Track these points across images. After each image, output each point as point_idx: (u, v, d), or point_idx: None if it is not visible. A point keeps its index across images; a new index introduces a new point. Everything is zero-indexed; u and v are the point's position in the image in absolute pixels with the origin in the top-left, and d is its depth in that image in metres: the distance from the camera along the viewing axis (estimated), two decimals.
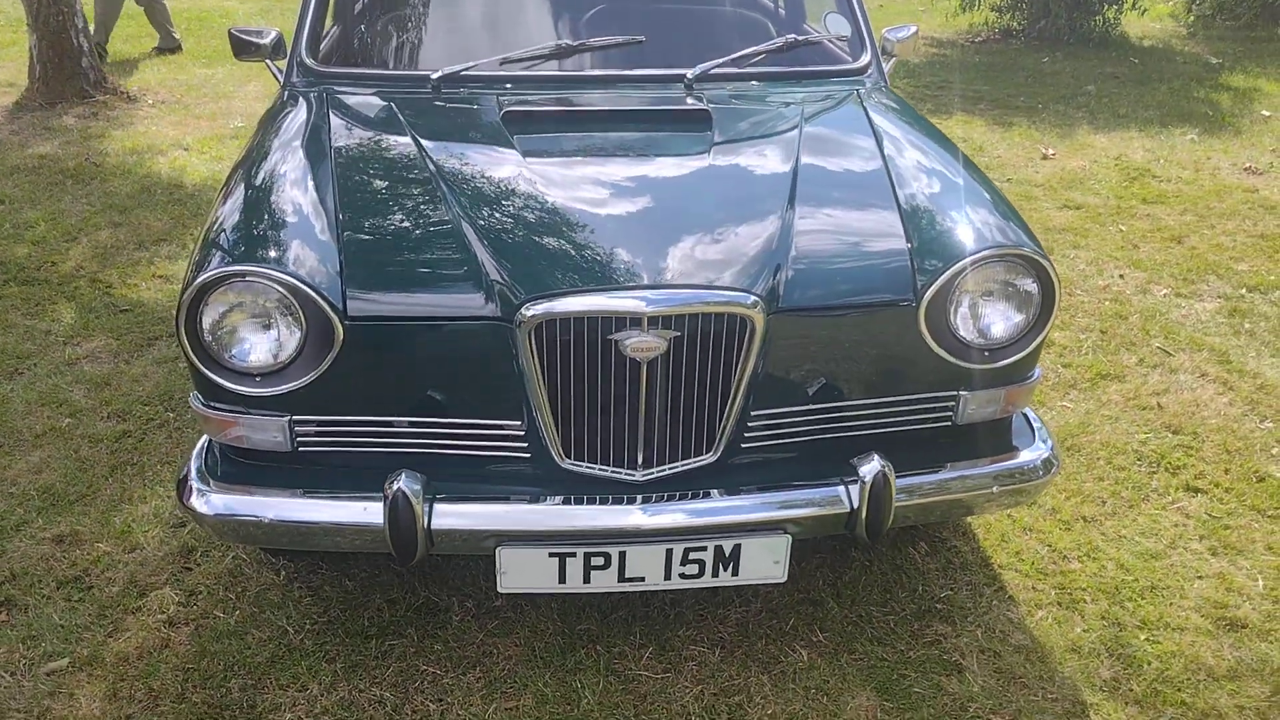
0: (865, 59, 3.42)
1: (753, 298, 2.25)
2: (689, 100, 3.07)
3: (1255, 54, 9.49)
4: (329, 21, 3.51)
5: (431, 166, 2.65)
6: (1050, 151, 6.70)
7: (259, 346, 2.31)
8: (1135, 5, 9.83)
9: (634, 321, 2.20)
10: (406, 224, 2.47)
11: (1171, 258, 5.06)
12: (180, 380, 3.88)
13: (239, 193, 2.62)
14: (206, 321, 2.28)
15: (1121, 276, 4.86)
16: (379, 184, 2.64)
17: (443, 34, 3.46)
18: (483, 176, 2.64)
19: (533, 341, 2.22)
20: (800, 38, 3.42)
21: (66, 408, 3.70)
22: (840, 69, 3.42)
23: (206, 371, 2.30)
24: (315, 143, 2.83)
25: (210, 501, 2.38)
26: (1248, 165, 6.43)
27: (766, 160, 2.77)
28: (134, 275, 4.73)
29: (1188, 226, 5.46)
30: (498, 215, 2.46)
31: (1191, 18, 11.02)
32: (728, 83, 3.23)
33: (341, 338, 2.25)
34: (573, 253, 2.34)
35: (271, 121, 3.05)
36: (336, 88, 3.20)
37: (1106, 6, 9.77)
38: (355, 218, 2.46)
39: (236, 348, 2.30)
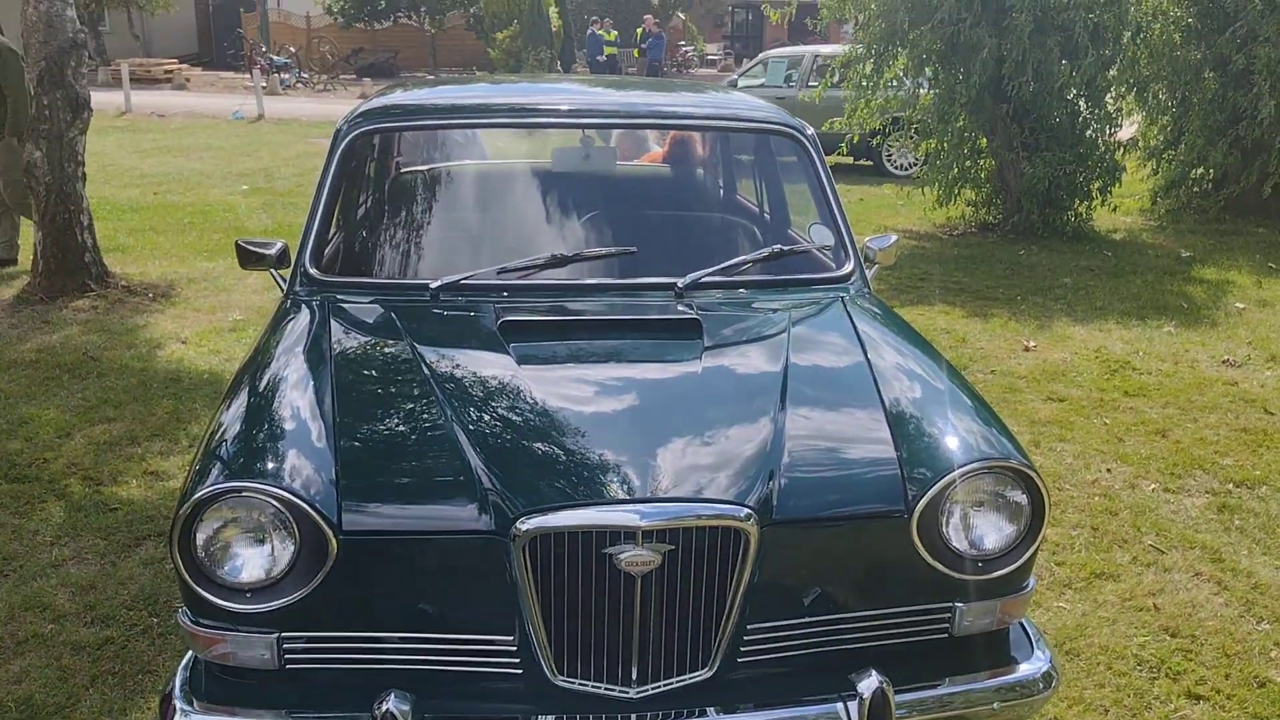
0: (848, 267, 3.54)
1: (746, 510, 2.27)
2: (679, 308, 3.16)
3: (1224, 247, 9.83)
4: (332, 229, 3.63)
5: (429, 377, 2.71)
6: (1031, 343, 6.85)
7: (252, 562, 2.31)
8: (1105, 203, 10.22)
9: (628, 535, 2.22)
10: (402, 432, 2.51)
11: (1157, 451, 5.12)
12: (165, 583, 3.83)
13: (239, 402, 2.67)
14: (200, 537, 2.29)
15: (1109, 471, 4.90)
16: (376, 392, 2.69)
17: (442, 244, 3.59)
18: (478, 384, 2.69)
19: (526, 555, 2.23)
20: (786, 248, 3.55)
21: (50, 613, 3.64)
22: (824, 276, 3.53)
23: (197, 588, 2.29)
24: (316, 350, 2.89)
25: None
26: (1225, 358, 6.58)
27: (756, 367, 2.84)
28: (125, 472, 4.73)
29: (1170, 420, 5.54)
30: (492, 424, 2.50)
31: (1160, 210, 11.44)
32: (717, 290, 3.33)
33: (335, 552, 2.25)
34: (566, 463, 2.37)
35: (275, 329, 3.12)
36: (338, 295, 3.29)
37: (1078, 203, 10.16)
38: (352, 427, 2.50)
39: (229, 564, 2.30)
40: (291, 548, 2.28)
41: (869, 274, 3.63)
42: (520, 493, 2.28)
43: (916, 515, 2.36)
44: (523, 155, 4.62)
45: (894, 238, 3.83)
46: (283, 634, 2.31)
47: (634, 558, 2.21)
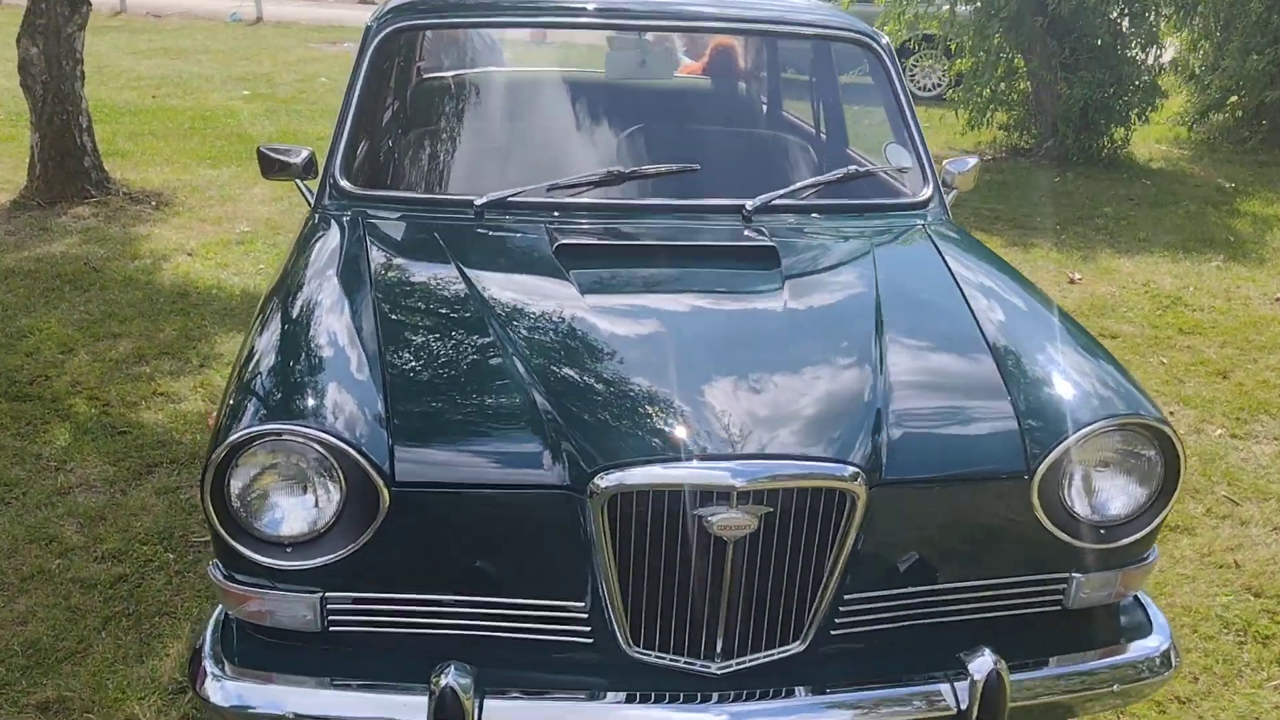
0: (927, 192, 3.24)
1: (853, 469, 2.00)
2: (746, 232, 2.87)
3: (1266, 180, 9.47)
4: (363, 137, 3.30)
5: (482, 306, 2.43)
6: (1076, 275, 6.55)
7: (293, 514, 2.04)
8: (1142, 116, 9.76)
9: (722, 496, 1.95)
10: (459, 374, 2.23)
11: (1220, 394, 4.86)
12: (181, 515, 3.58)
13: (272, 330, 2.38)
14: (235, 486, 2.02)
15: (1172, 414, 4.64)
16: (426, 325, 2.41)
17: (485, 156, 3.26)
18: (539, 318, 2.41)
19: (605, 514, 1.97)
20: (862, 169, 3.24)
21: (57, 545, 3.39)
22: (902, 202, 3.23)
23: (232, 541, 2.03)
24: (353, 275, 2.60)
25: (226, 689, 2.08)
26: (1278, 296, 6.29)
27: (844, 305, 2.56)
28: (133, 393, 4.46)
29: (1230, 360, 5.27)
30: (560, 365, 2.22)
31: (1195, 138, 11.06)
32: (787, 214, 3.03)
33: (387, 505, 1.99)
34: (647, 410, 2.09)
35: (304, 247, 2.82)
36: (371, 211, 2.99)
37: (1114, 127, 9.77)
38: (402, 365, 2.22)
39: (267, 515, 2.04)
40: (337, 498, 2.02)
41: (947, 200, 3.33)
42: (598, 444, 2.00)
43: (1038, 477, 2.09)
44: (570, 61, 4.27)
45: (974, 160, 3.52)
46: (326, 593, 2.06)
47: (729, 521, 1.95)
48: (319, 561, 2.03)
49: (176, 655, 2.90)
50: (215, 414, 2.33)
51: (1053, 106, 9.66)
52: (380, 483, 1.98)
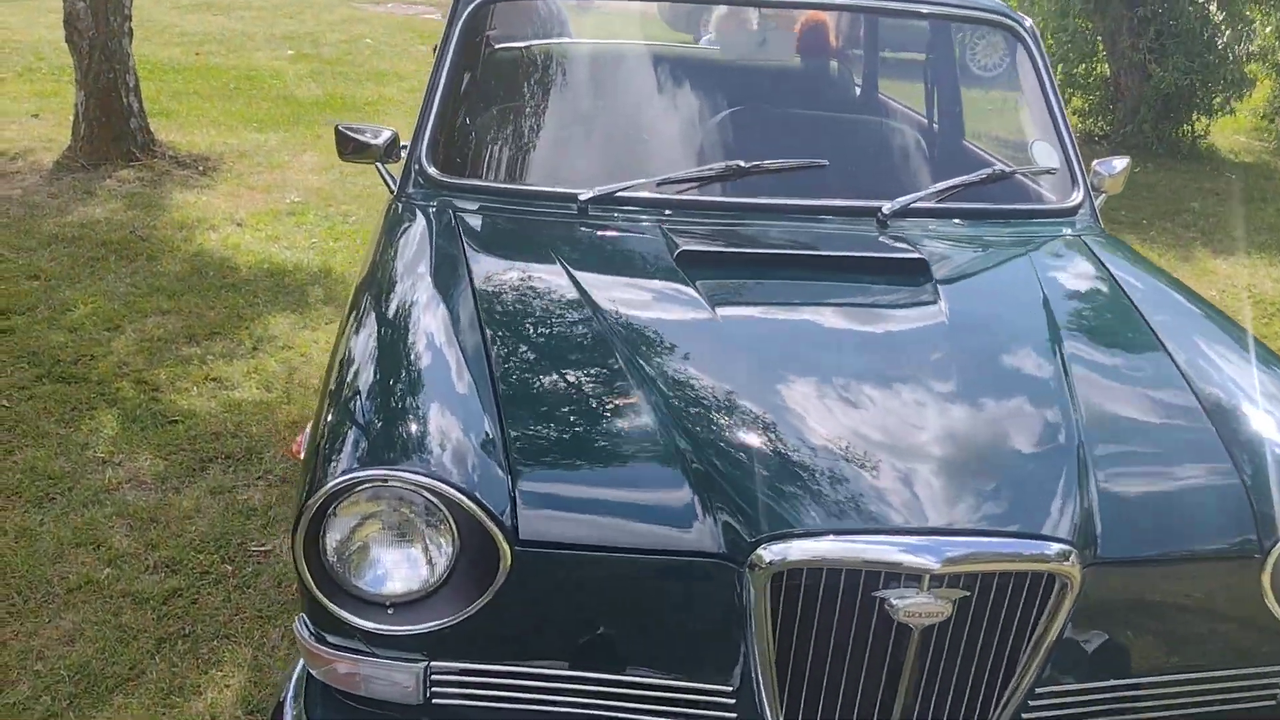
0: (1077, 196, 2.90)
1: (1066, 547, 1.69)
2: (883, 240, 2.55)
3: None
4: (452, 120, 2.98)
5: (602, 323, 2.12)
6: None
7: (397, 570, 1.75)
8: (1226, 106, 9.30)
9: (911, 577, 1.64)
10: (586, 409, 1.92)
11: None
12: (238, 519, 3.31)
13: (366, 350, 2.08)
14: (332, 538, 1.73)
15: None
16: (539, 345, 2.10)
17: (587, 144, 2.93)
18: (671, 343, 2.09)
19: (768, 591, 1.66)
20: (1008, 169, 2.90)
21: (105, 551, 3.13)
22: (1050, 208, 2.89)
23: (326, 600, 1.74)
24: (449, 276, 2.29)
25: None
26: None
27: (1015, 333, 2.24)
28: (184, 377, 4.18)
29: None
30: (705, 404, 1.91)
31: (1274, 128, 10.57)
32: (924, 219, 2.70)
33: (508, 565, 1.69)
34: (819, 469, 1.77)
35: (391, 243, 2.52)
36: (460, 202, 2.68)
37: (1196, 116, 9.32)
38: (518, 396, 1.92)
39: (368, 572, 1.75)
40: (450, 554, 1.73)
41: (1096, 204, 2.98)
42: (761, 507, 1.69)
43: (1273, 557, 1.77)
44: (675, 36, 3.92)
45: (1124, 161, 3.17)
46: (431, 662, 1.77)
47: (919, 607, 1.64)
48: (426, 626, 1.74)
49: (238, 688, 2.63)
50: (303, 444, 2.04)
51: (1134, 91, 9.21)
52: (501, 539, 1.68)
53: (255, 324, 4.71)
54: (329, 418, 1.89)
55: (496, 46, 3.30)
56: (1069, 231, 2.81)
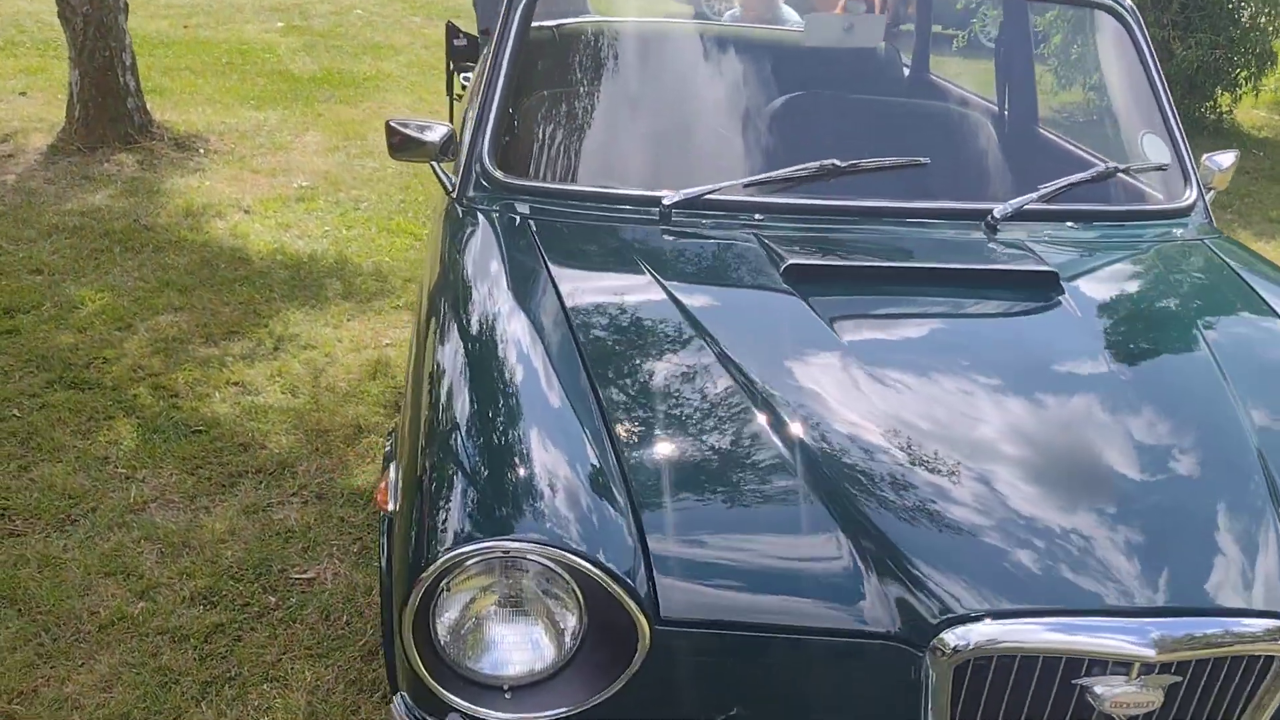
0: (1190, 194, 2.69)
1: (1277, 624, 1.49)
2: (994, 245, 2.34)
3: None
4: (512, 121, 2.74)
5: (716, 352, 1.90)
6: None
7: (517, 651, 1.54)
8: (1254, 92, 9.13)
9: (1118, 664, 1.44)
10: (722, 461, 1.70)
11: None
12: (278, 543, 3.08)
13: (455, 386, 1.85)
14: (446, 617, 1.51)
15: None
16: (652, 381, 1.87)
17: (664, 142, 2.69)
18: (802, 378, 1.87)
19: (952, 678, 1.45)
20: (1119, 166, 2.68)
21: (136, 582, 2.90)
22: (1162, 208, 2.68)
23: (437, 686, 1.52)
24: (535, 295, 2.07)
25: None
26: None
27: (1179, 366, 2.03)
28: (204, 382, 3.94)
29: None
30: (855, 454, 1.69)
31: None
32: (1034, 223, 2.49)
33: (647, 645, 1.48)
34: (1000, 536, 1.56)
35: (459, 255, 2.29)
36: (527, 206, 2.45)
37: (1220, 92, 9.11)
38: (640, 447, 1.69)
39: (485, 653, 1.53)
40: (576, 633, 1.51)
41: (1208, 202, 2.78)
42: (944, 581, 1.48)
43: None
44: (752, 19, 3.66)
45: (1232, 155, 2.96)
46: None
47: (1127, 697, 1.44)
48: (548, 714, 1.52)
49: None
50: (389, 490, 1.81)
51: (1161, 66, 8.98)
52: (640, 616, 1.47)
53: (274, 321, 4.46)
54: (428, 469, 1.66)
55: (559, 32, 3.05)
56: (1182, 234, 2.60)
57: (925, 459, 1.67)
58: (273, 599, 2.86)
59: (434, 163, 2.69)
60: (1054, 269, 2.18)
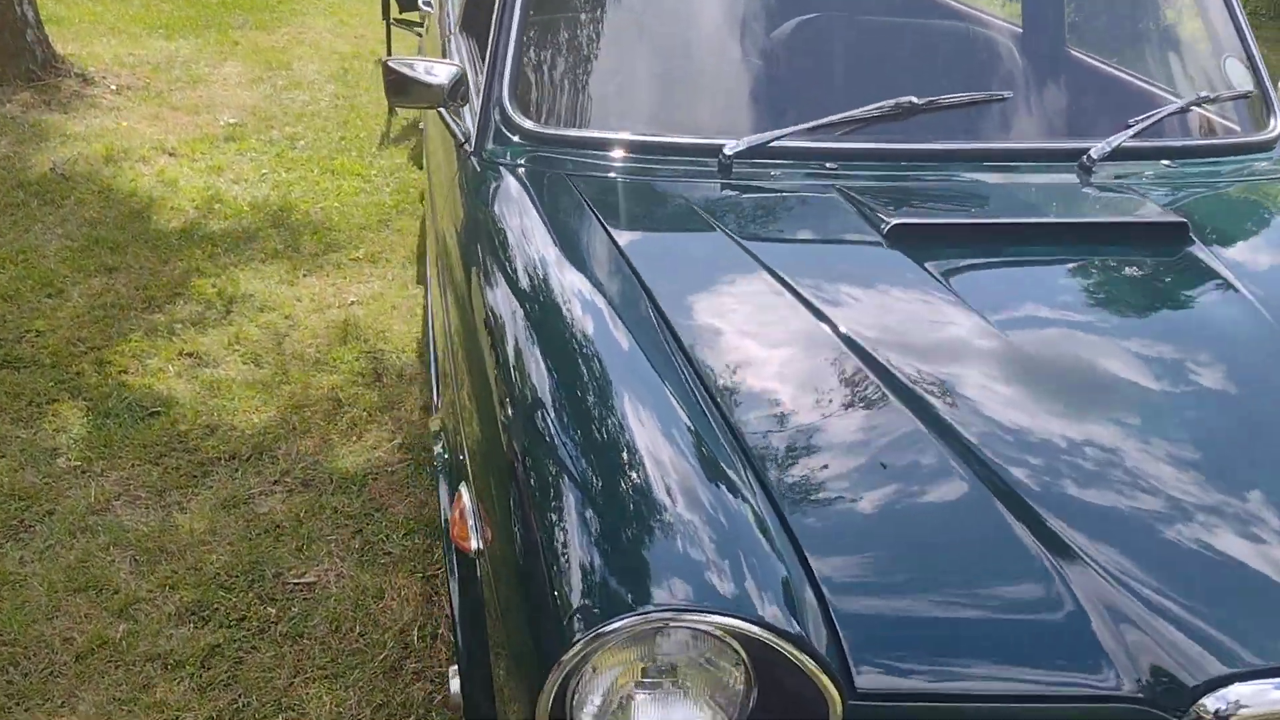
0: (1275, 127, 2.46)
1: None
2: (1091, 190, 2.08)
3: None
4: (537, 59, 2.37)
5: (844, 341, 1.61)
6: None
7: None
8: None
9: None
10: (891, 487, 1.41)
11: None
12: (267, 543, 2.75)
13: (528, 395, 1.53)
14: (590, 703, 1.22)
15: None
16: (785, 385, 1.56)
17: (716, 81, 2.35)
18: (958, 370, 1.58)
19: None
20: (1205, 95, 2.44)
21: (112, 598, 2.54)
22: (1244, 141, 2.45)
23: None
24: (610, 279, 1.76)
25: None
26: None
27: None
28: (152, 353, 3.53)
29: None
30: (1049, 469, 1.42)
31: None
32: (1129, 162, 2.23)
33: None
34: (1248, 574, 1.31)
35: (491, 223, 1.95)
36: (561, 159, 2.11)
37: None
38: (787, 470, 1.41)
39: None
40: (744, 709, 1.24)
41: None
42: (1199, 635, 1.23)
43: None
44: None
45: None
46: None
47: None
48: None
49: None
50: (459, 521, 1.51)
51: None
52: (829, 689, 1.20)
53: (221, 280, 4.04)
54: (531, 508, 1.35)
55: None
56: (1267, 167, 2.37)
57: (1127, 468, 1.41)
58: (272, 610, 2.54)
59: (442, 110, 2.33)
60: (1182, 218, 1.93)
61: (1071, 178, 2.15)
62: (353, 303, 3.98)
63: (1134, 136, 2.24)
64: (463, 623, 1.58)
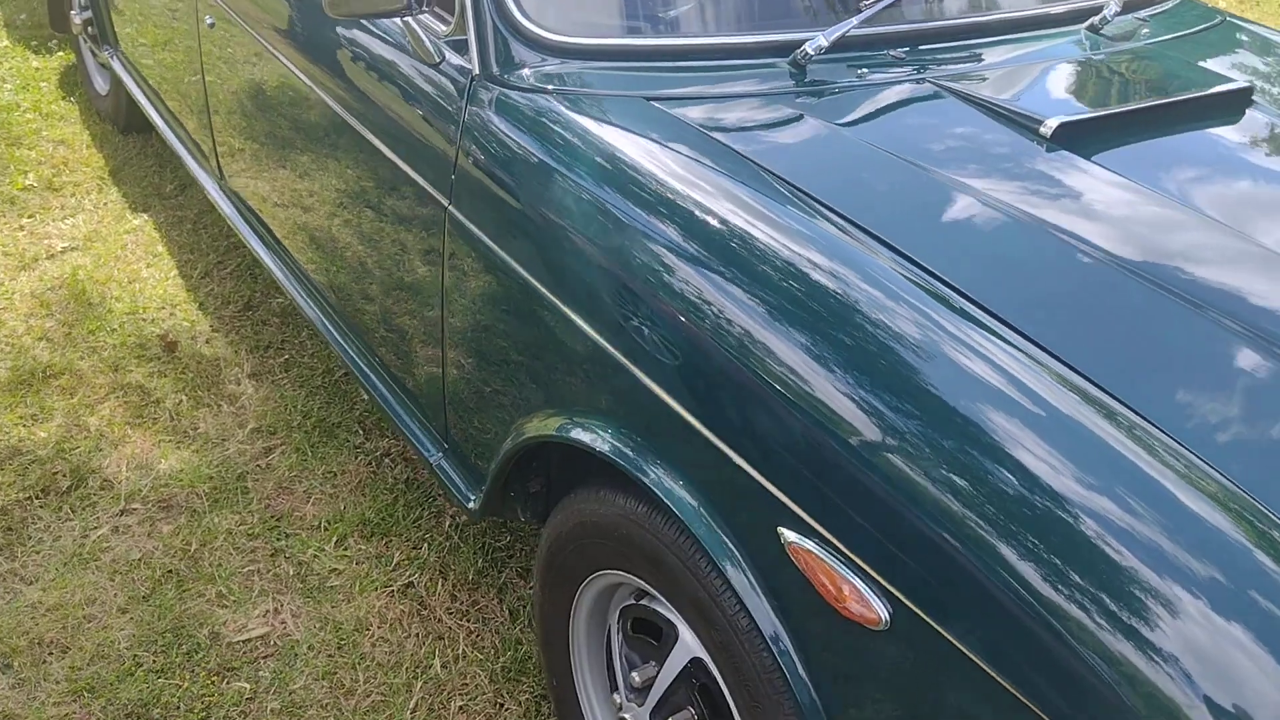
0: None
1: None
2: (1100, 55, 2.05)
3: None
4: None
5: (1114, 264, 1.42)
6: None
7: None
8: None
9: None
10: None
11: None
12: (175, 597, 2.14)
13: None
14: None
15: None
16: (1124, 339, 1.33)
17: None
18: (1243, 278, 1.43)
19: None
20: None
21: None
22: None
23: None
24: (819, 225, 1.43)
25: None
26: None
27: None
28: None
29: None
30: None
31: None
32: (1136, 15, 2.24)
33: None
34: None
35: (539, 192, 1.54)
36: (604, 78, 1.71)
37: None
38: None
39: None
40: None
41: None
42: None
43: None
44: None
45: None
46: None
47: None
48: None
49: None
50: (849, 596, 1.20)
51: None
52: None
53: (99, 246, 2.99)
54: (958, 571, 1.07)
55: None
56: (1201, 14, 2.45)
57: None
58: (242, 684, 2.00)
59: (404, 18, 1.77)
60: (1246, 85, 1.93)
61: (1077, 40, 2.09)
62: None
63: None
64: None
